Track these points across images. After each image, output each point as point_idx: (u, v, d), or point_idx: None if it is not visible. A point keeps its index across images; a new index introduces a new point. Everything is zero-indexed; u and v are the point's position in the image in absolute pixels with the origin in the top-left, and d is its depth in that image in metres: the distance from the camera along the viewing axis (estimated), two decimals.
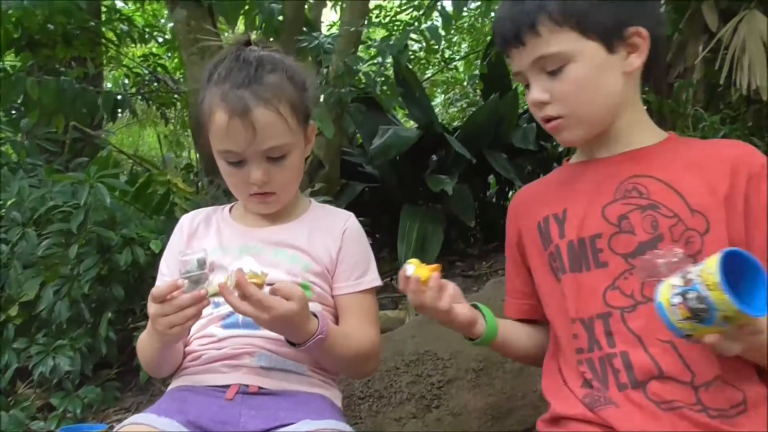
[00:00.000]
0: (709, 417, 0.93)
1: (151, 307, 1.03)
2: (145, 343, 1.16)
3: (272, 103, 1.11)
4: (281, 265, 1.17)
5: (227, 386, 1.11)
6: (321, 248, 1.21)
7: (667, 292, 0.83)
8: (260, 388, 1.11)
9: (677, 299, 0.80)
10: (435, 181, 2.83)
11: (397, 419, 1.65)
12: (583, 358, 1.03)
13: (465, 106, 5.92)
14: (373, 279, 1.24)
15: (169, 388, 1.19)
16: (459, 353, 1.74)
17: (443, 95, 6.96)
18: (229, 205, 1.32)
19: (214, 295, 1.15)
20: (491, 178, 3.78)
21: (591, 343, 1.02)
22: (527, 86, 1.07)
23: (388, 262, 3.39)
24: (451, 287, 1.06)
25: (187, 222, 1.29)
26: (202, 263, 1.05)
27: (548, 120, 1.06)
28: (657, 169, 1.04)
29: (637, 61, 1.04)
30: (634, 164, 1.06)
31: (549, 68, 1.02)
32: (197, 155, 3.56)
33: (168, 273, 1.25)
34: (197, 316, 1.05)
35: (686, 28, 2.99)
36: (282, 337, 1.11)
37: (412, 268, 1.01)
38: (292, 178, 1.20)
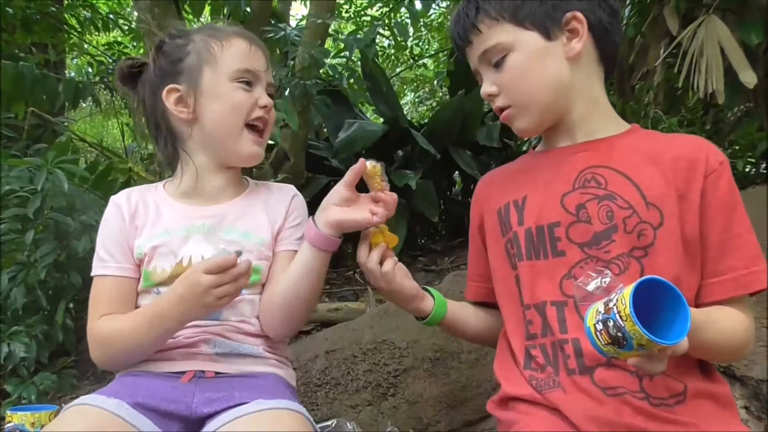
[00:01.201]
0: (650, 404, 0.97)
1: (204, 278, 1.01)
2: (142, 330, 1.10)
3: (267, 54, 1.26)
4: (236, 245, 1.15)
5: (183, 372, 1.11)
6: (270, 219, 1.21)
7: (592, 317, 0.86)
8: (217, 373, 1.12)
9: (600, 326, 0.84)
10: (399, 176, 2.85)
11: (353, 406, 1.66)
12: (536, 343, 1.06)
13: (434, 105, 5.95)
14: None
15: (119, 374, 1.17)
16: (416, 343, 1.76)
17: (413, 93, 7.00)
18: (161, 183, 1.28)
19: (159, 284, 1.16)
20: (456, 175, 3.82)
21: (545, 328, 1.05)
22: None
23: (350, 256, 3.40)
24: (394, 260, 1.12)
25: (123, 202, 1.22)
26: (239, 255, 1.05)
27: (500, 111, 1.11)
28: (616, 160, 1.06)
29: (577, 45, 1.07)
30: (593, 154, 1.08)
31: (493, 60, 1.08)
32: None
33: (111, 258, 1.18)
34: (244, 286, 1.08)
35: (648, 31, 3.06)
36: (241, 325, 1.16)
37: (375, 164, 1.12)
38: (272, 124, 1.26)
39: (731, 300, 1.04)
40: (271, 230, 1.21)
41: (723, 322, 0.99)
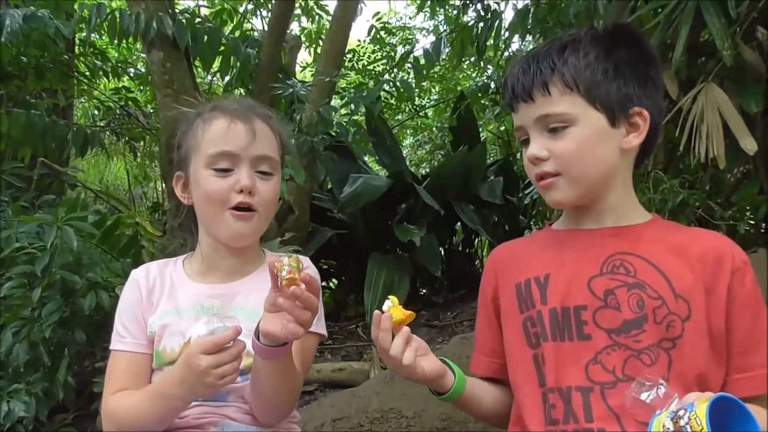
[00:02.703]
0: None
1: (203, 360, 1.00)
2: (148, 409, 1.10)
3: (268, 122, 1.21)
4: (241, 324, 1.12)
5: None
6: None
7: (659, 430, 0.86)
8: None
9: None
10: (403, 231, 2.87)
11: None
12: (557, 429, 1.03)
13: (433, 149, 6.03)
14: (319, 327, 1.22)
15: None
16: (423, 412, 1.75)
17: (412, 137, 7.08)
18: (181, 258, 1.29)
19: (170, 363, 1.15)
20: (458, 225, 3.85)
21: (567, 415, 1.02)
22: (524, 142, 1.11)
23: (353, 307, 3.40)
24: (416, 342, 1.07)
25: (142, 277, 1.24)
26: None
27: (542, 177, 1.09)
28: (644, 249, 1.07)
29: (635, 140, 1.08)
30: (622, 240, 1.09)
31: (551, 126, 1.06)
32: (165, 193, 3.53)
33: (127, 333, 1.19)
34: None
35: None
36: (246, 406, 1.13)
37: (390, 304, 1.03)
38: (273, 202, 1.20)
39: (756, 398, 1.03)
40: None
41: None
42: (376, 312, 1.04)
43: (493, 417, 1.21)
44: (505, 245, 1.26)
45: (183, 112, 1.27)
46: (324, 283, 4.56)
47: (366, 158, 4.04)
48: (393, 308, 1.03)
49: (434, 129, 5.99)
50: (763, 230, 3.05)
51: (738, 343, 1.04)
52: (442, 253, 3.48)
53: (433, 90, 6.43)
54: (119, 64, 4.07)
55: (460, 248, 3.94)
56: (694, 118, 2.68)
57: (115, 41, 2.90)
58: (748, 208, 2.83)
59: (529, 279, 1.11)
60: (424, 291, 3.64)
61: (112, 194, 3.51)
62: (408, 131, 6.87)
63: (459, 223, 3.75)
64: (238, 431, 1.13)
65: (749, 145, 2.50)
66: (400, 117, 5.94)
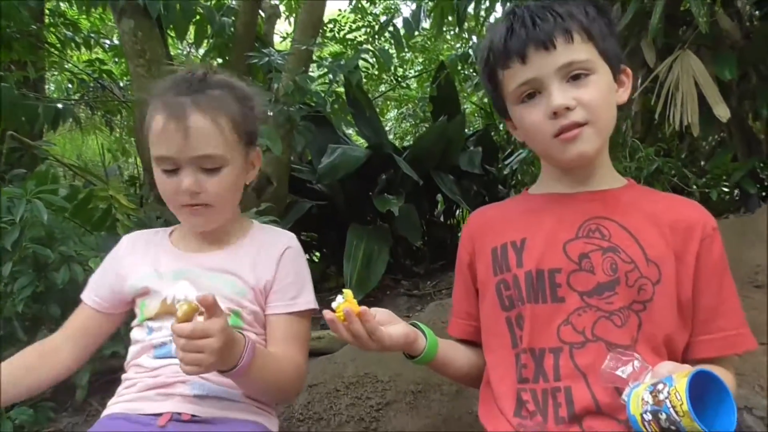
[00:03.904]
0: None
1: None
2: None
3: (209, 112, 1.12)
4: (217, 291, 1.13)
5: (160, 414, 1.11)
6: (259, 272, 1.21)
7: (638, 406, 0.87)
8: (193, 416, 1.11)
9: (649, 416, 0.85)
10: (382, 201, 2.87)
11: None
12: (527, 387, 1.06)
13: (418, 122, 6.01)
14: (308, 302, 1.22)
15: (103, 414, 1.17)
16: (398, 376, 1.77)
17: (396, 110, 7.04)
18: (169, 229, 1.32)
19: (148, 319, 1.19)
20: (439, 197, 3.85)
21: (537, 374, 1.05)
22: (530, 96, 1.06)
23: (334, 278, 3.41)
24: (380, 314, 1.07)
25: (128, 242, 1.29)
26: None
27: (565, 129, 1.04)
28: (620, 214, 1.08)
29: (624, 95, 1.09)
30: (598, 205, 1.10)
31: (575, 74, 1.03)
32: (142, 167, 3.49)
33: (92, 290, 1.26)
34: None
35: (626, 62, 3.13)
36: None
37: (341, 300, 1.02)
38: (226, 193, 1.17)
39: (719, 358, 1.07)
40: (255, 282, 1.20)
41: None
42: (326, 313, 1.02)
43: (467, 378, 1.23)
44: (481, 210, 1.26)
45: (150, 86, 1.23)
46: (307, 256, 4.58)
47: (347, 130, 4.01)
48: (345, 303, 1.02)
49: (417, 102, 5.97)
50: (737, 197, 3.10)
51: (704, 307, 1.07)
52: (423, 223, 3.49)
53: (416, 61, 6.38)
54: (92, 35, 3.97)
55: (441, 219, 3.96)
56: (669, 86, 2.69)
57: (83, 9, 2.81)
58: (722, 175, 2.86)
59: (506, 243, 1.12)
60: (406, 261, 3.66)
61: (88, 169, 3.45)
62: (392, 104, 6.83)
63: (440, 195, 3.76)
64: (210, 392, 1.13)
65: (722, 112, 2.52)
66: (383, 88, 5.89)
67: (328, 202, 3.37)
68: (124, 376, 1.20)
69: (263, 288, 1.20)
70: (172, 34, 3.29)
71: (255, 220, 1.34)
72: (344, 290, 1.04)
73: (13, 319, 1.94)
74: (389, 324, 1.08)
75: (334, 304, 1.02)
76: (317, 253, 4.22)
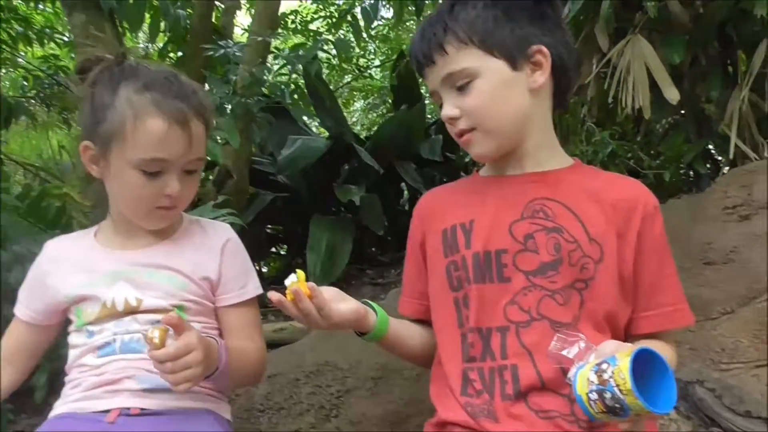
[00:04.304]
0: (579, 426, 1.01)
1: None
2: None
3: (203, 116, 1.14)
4: (157, 287, 1.16)
5: (108, 411, 1.10)
6: (199, 265, 1.20)
7: (583, 386, 0.89)
8: (142, 409, 1.11)
9: (594, 395, 0.87)
10: (343, 191, 2.88)
11: (296, 430, 1.67)
12: (474, 366, 1.08)
13: (384, 112, 6.01)
14: (256, 287, 1.25)
15: (50, 415, 1.16)
16: (359, 363, 1.78)
17: (363, 101, 7.03)
18: (93, 229, 1.27)
19: (88, 324, 1.16)
20: (404, 186, 3.87)
21: (485, 353, 1.07)
22: (441, 106, 1.12)
23: (293, 268, 3.41)
24: (328, 292, 1.09)
25: (53, 249, 1.25)
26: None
27: (461, 135, 1.12)
28: (563, 195, 1.10)
29: (540, 78, 1.10)
30: (542, 186, 1.12)
31: (457, 84, 1.08)
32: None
33: (22, 302, 1.23)
34: None
35: (581, 48, 3.18)
36: None
37: (294, 279, 1.04)
38: (194, 194, 1.20)
39: (659, 333, 1.11)
40: (198, 276, 1.20)
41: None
42: (272, 295, 1.04)
43: (422, 357, 1.24)
44: (432, 192, 1.28)
45: (102, 70, 1.16)
46: (273, 249, 4.57)
47: (309, 121, 4.00)
48: (295, 283, 1.04)
49: (380, 91, 5.96)
50: (691, 178, 3.18)
51: (645, 285, 1.10)
52: (387, 212, 3.50)
53: (380, 51, 6.38)
54: (45, 29, 3.88)
55: (406, 208, 3.98)
56: (622, 70, 2.75)
57: (32, 4, 2.75)
58: (675, 157, 2.93)
59: (455, 225, 1.14)
60: (371, 250, 3.68)
61: (47, 167, 3.38)
62: (358, 95, 6.81)
63: (404, 183, 3.78)
64: (158, 385, 1.12)
65: (672, 95, 2.59)
66: (348, 78, 5.87)
67: (291, 193, 3.37)
68: (67, 378, 1.18)
69: (207, 280, 1.20)
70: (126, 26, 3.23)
71: (184, 212, 1.30)
72: (297, 270, 1.06)
73: None
74: (339, 301, 1.09)
75: (287, 282, 1.04)
76: (284, 246, 4.22)
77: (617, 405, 0.84)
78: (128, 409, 1.10)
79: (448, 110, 1.10)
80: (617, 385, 0.84)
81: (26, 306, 1.22)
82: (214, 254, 1.22)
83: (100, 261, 1.20)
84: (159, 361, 0.98)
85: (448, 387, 1.12)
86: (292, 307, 1.04)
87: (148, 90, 1.11)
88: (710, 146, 3.08)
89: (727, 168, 2.73)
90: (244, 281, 1.23)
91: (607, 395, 0.85)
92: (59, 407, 1.16)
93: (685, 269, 1.98)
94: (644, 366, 0.86)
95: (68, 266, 1.20)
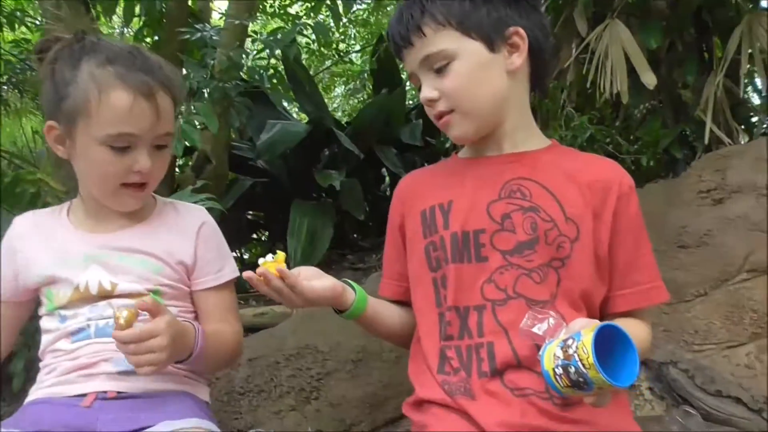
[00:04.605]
0: (553, 404, 1.03)
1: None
2: None
3: (170, 90, 1.12)
4: (131, 271, 1.15)
5: (85, 395, 1.09)
6: (174, 249, 1.19)
7: (550, 361, 0.91)
8: (119, 392, 1.10)
9: (560, 370, 0.89)
10: (323, 176, 2.87)
11: (276, 412, 1.68)
12: (452, 344, 1.09)
13: (365, 97, 5.98)
14: (232, 270, 1.25)
15: (26, 402, 1.15)
16: (339, 345, 1.79)
17: (344, 86, 6.98)
18: (65, 207, 1.24)
19: (60, 308, 1.15)
20: (385, 171, 3.87)
21: (462, 331, 1.08)
22: (420, 89, 1.13)
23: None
24: (305, 271, 1.10)
25: (22, 226, 1.22)
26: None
27: (440, 117, 1.13)
28: (540, 175, 1.12)
29: (518, 60, 1.11)
30: (519, 167, 1.13)
31: (435, 66, 1.09)
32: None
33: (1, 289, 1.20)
34: None
35: (560, 32, 3.19)
36: None
37: (270, 258, 1.05)
38: (164, 171, 1.18)
39: (635, 311, 1.13)
40: (173, 260, 1.19)
41: (639, 336, 1.08)
42: (245, 274, 1.05)
43: (399, 336, 1.25)
44: (411, 174, 1.29)
45: (62, 47, 1.13)
46: (254, 235, 4.54)
47: (288, 106, 3.97)
48: (267, 262, 1.04)
49: (360, 76, 5.93)
50: (668, 163, 3.22)
51: (620, 264, 1.12)
52: (368, 197, 3.50)
53: (359, 35, 6.33)
54: (17, 13, 3.78)
55: (387, 193, 3.98)
56: (600, 54, 2.77)
57: None
58: (652, 142, 2.96)
59: (434, 206, 1.15)
60: (352, 235, 3.67)
61: (22, 154, 3.32)
62: (339, 80, 6.77)
63: (384, 169, 3.78)
64: (132, 367, 1.10)
65: (649, 79, 2.61)
66: (328, 63, 5.83)
67: (271, 179, 3.35)
68: (41, 363, 1.17)
69: (182, 264, 1.20)
70: (100, 10, 3.17)
71: (157, 195, 1.28)
72: (277, 252, 1.06)
73: None
74: (314, 279, 1.10)
75: (260, 261, 1.04)
76: (265, 232, 4.20)
77: (581, 379, 0.86)
78: (105, 392, 1.10)
79: (427, 92, 1.11)
80: (581, 360, 0.85)
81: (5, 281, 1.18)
82: (189, 238, 1.21)
83: (71, 242, 1.18)
84: (122, 341, 0.98)
85: (426, 365, 1.13)
86: (262, 285, 1.04)
87: (111, 64, 1.08)
88: (686, 131, 3.11)
89: (702, 153, 2.77)
90: (220, 265, 1.23)
91: (572, 370, 0.87)
92: (34, 393, 1.15)
93: (661, 252, 2.01)
94: (609, 341, 0.88)
95: (38, 244, 1.18)
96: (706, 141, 2.71)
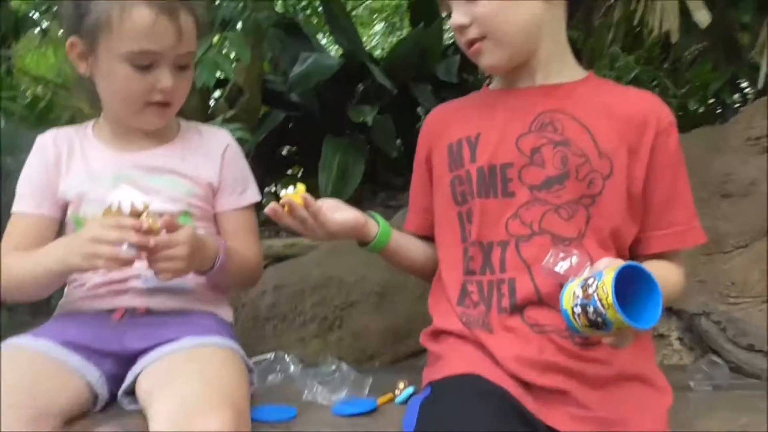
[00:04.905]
0: (573, 343, 1.01)
1: (91, 228, 1.00)
2: (23, 270, 1.09)
3: (192, 10, 1.12)
4: (162, 192, 1.15)
5: (114, 309, 1.12)
6: (201, 170, 1.20)
7: (570, 300, 0.88)
8: (148, 309, 1.13)
9: (578, 309, 0.86)
10: (356, 112, 2.83)
11: (299, 339, 1.72)
12: (473, 279, 1.08)
13: (404, 35, 5.84)
14: (254, 194, 1.26)
15: (54, 314, 1.18)
16: (364, 278, 1.81)
17: (384, 22, 6.82)
18: (89, 124, 1.25)
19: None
20: (420, 110, 3.80)
21: (484, 266, 1.07)
22: (449, 16, 1.09)
23: (312, 191, 3.41)
24: (325, 203, 1.08)
25: (50, 142, 1.21)
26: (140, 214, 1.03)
27: (470, 44, 1.08)
28: (574, 107, 1.07)
29: None
30: (552, 99, 1.09)
31: None
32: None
33: (31, 196, 1.18)
34: (128, 264, 1.02)
35: None
36: None
37: (292, 190, 1.04)
38: (187, 91, 1.18)
39: (668, 253, 1.09)
40: (201, 180, 1.20)
41: (669, 279, 1.05)
42: (268, 208, 1.03)
43: (423, 270, 1.24)
44: (440, 107, 1.25)
45: None
46: (289, 171, 4.57)
47: (323, 41, 3.89)
48: (289, 195, 1.03)
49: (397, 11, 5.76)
50: (717, 108, 3.08)
51: (655, 203, 1.08)
52: (401, 134, 3.45)
53: None
54: None
55: None
56: None
57: None
58: (702, 85, 2.83)
59: (461, 139, 1.12)
60: (384, 173, 3.65)
61: (54, 80, 3.35)
62: (379, 16, 6.61)
63: (420, 108, 3.71)
64: (162, 285, 1.12)
65: (702, 18, 2.45)
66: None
67: (305, 113, 3.32)
68: (70, 278, 1.18)
69: (209, 185, 1.21)
70: None
71: (182, 120, 1.28)
72: (298, 184, 1.05)
73: None
74: (337, 211, 1.09)
75: (282, 193, 1.04)
76: (300, 168, 4.21)
77: (599, 319, 0.84)
78: (134, 308, 1.12)
79: (458, 17, 1.06)
80: (600, 299, 0.83)
81: (32, 199, 1.18)
82: (215, 159, 1.22)
83: (99, 160, 1.18)
84: (140, 245, 0.99)
85: (445, 298, 1.13)
86: (286, 216, 1.03)
87: None
88: (738, 75, 2.95)
89: (754, 99, 2.63)
90: (243, 186, 1.24)
91: (590, 309, 0.84)
92: (63, 306, 1.19)
93: (702, 200, 1.94)
94: (633, 282, 0.86)
95: (67, 161, 1.19)
96: (760, 86, 2.55)
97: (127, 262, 1.00)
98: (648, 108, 1.08)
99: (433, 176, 1.18)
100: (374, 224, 1.14)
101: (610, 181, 1.04)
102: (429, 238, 1.23)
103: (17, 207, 1.19)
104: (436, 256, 1.20)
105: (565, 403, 0.99)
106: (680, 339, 1.85)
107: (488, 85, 1.22)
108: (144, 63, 1.09)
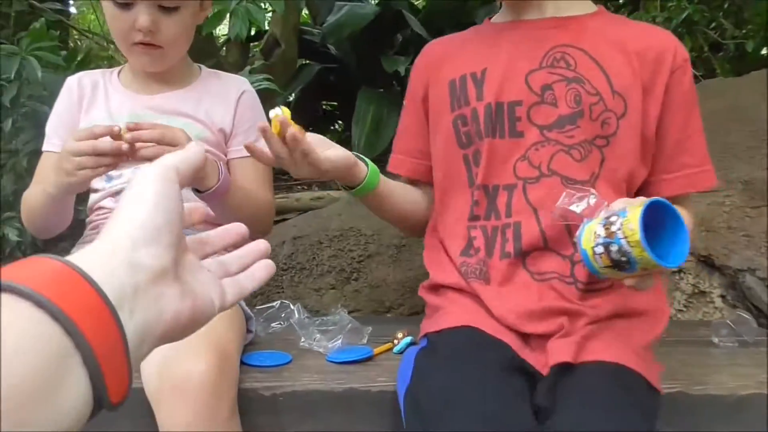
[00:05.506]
0: (576, 289, 0.98)
1: (69, 144, 1.01)
2: (34, 197, 1.16)
3: None
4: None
5: None
6: (215, 115, 1.22)
7: (590, 240, 0.84)
8: None
9: (600, 249, 0.82)
10: (389, 62, 2.76)
11: (316, 289, 1.73)
12: (477, 224, 1.04)
13: None
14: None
15: (72, 252, 1.24)
16: (382, 230, 1.79)
17: None
18: (117, 69, 1.30)
19: None
20: None
21: (489, 211, 1.03)
22: None
23: (347, 144, 3.40)
24: (314, 138, 0.99)
25: (75, 83, 1.27)
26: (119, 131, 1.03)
27: None
28: (587, 42, 1.02)
29: None
30: (564, 32, 1.03)
31: None
32: None
33: (57, 136, 1.24)
34: (109, 168, 1.03)
35: None
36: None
37: (278, 112, 0.95)
38: (180, 36, 1.18)
39: (679, 197, 1.03)
40: (214, 126, 1.21)
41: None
42: (259, 123, 0.96)
43: (406, 218, 1.18)
44: (438, 40, 1.18)
45: None
46: (332, 127, 4.56)
47: None
48: (280, 114, 0.94)
49: None
50: None
51: (669, 144, 1.03)
52: None
53: None
54: None
55: None
56: None
57: None
58: (762, 25, 2.60)
59: (465, 75, 1.06)
60: None
61: (101, 33, 3.44)
62: None
63: None
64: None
65: None
66: None
67: (341, 65, 3.28)
68: (87, 219, 1.24)
69: (222, 131, 1.22)
70: None
71: (203, 66, 1.31)
72: (281, 106, 0.97)
73: (24, 174, 2.04)
74: (326, 148, 1.00)
75: (271, 114, 0.95)
76: (340, 123, 4.19)
77: (623, 258, 0.80)
78: None
79: None
80: (625, 237, 0.79)
81: (55, 134, 1.24)
82: (230, 104, 1.23)
83: (118, 100, 1.23)
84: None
85: (444, 252, 1.10)
86: (276, 140, 0.94)
87: None
88: None
89: None
90: (257, 135, 1.22)
91: (614, 248, 0.80)
92: (80, 246, 1.22)
93: (749, 149, 1.83)
94: (656, 221, 0.81)
95: (90, 100, 1.24)
96: None
97: (113, 162, 1.00)
98: (662, 44, 1.02)
99: (430, 115, 1.12)
100: (363, 166, 1.06)
101: (625, 120, 0.99)
102: (418, 182, 1.17)
103: (45, 146, 1.26)
104: (424, 205, 1.15)
105: (560, 338, 0.95)
106: (723, 297, 1.77)
107: (491, 18, 1.14)
108: (122, 1, 1.11)
